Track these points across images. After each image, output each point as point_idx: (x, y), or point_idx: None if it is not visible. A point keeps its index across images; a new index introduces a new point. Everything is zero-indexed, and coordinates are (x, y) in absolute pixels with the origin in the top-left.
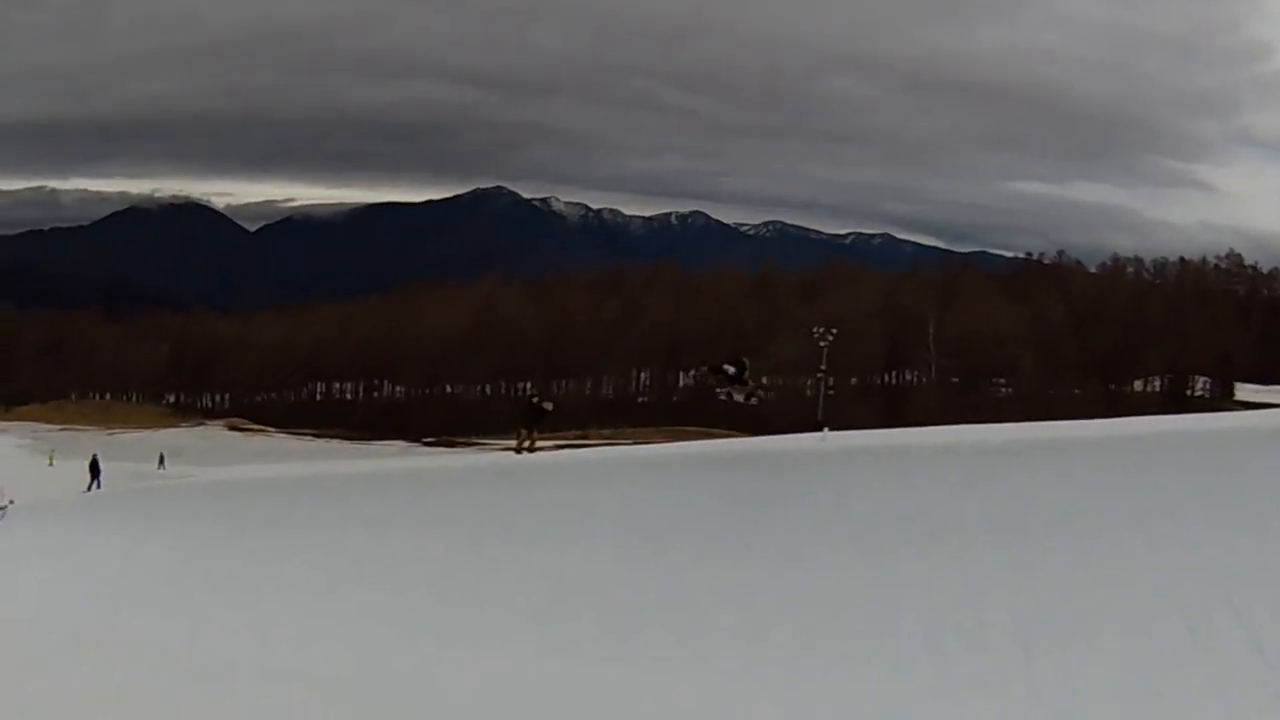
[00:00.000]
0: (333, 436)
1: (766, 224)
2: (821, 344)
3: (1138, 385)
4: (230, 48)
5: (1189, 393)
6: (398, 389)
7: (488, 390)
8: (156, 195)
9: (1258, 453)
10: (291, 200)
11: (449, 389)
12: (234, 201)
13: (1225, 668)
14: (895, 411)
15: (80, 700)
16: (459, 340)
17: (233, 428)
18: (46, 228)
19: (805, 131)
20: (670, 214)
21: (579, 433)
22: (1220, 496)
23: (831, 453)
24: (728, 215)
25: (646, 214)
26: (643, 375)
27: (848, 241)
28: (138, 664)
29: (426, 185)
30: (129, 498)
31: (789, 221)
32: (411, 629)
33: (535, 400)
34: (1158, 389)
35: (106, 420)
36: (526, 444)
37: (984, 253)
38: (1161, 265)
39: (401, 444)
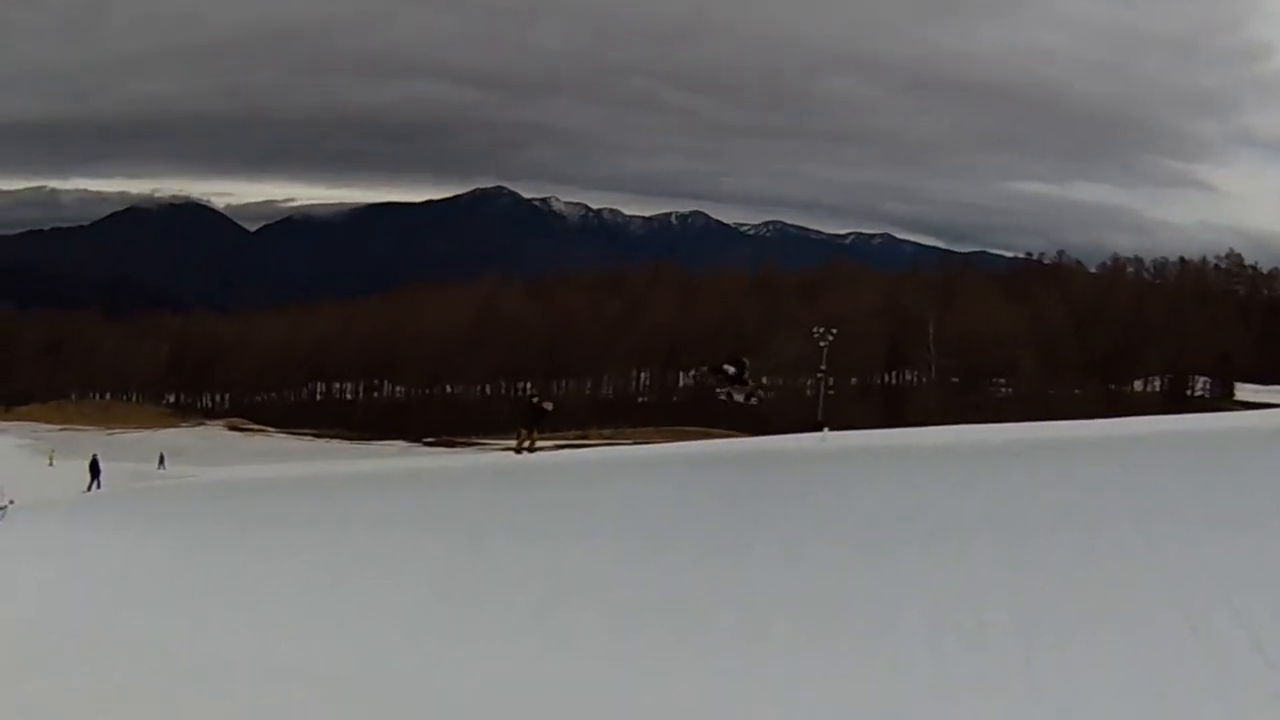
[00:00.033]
0: (333, 436)
1: (766, 224)
2: (821, 344)
3: (1138, 385)
4: (230, 48)
5: (1189, 393)
6: (398, 389)
7: (488, 390)
8: (156, 195)
9: (1258, 452)
10: (291, 200)
11: (449, 389)
12: (234, 201)
13: (1226, 667)
14: (895, 411)
15: (80, 700)
16: (459, 340)
17: (233, 428)
18: (47, 228)
19: (805, 131)
20: (670, 214)
21: (579, 433)
22: (1220, 496)
23: (832, 452)
24: (728, 215)
25: (646, 214)
26: (643, 375)
27: (848, 241)
28: (138, 664)
29: (426, 185)
30: (129, 498)
31: (789, 221)
32: (412, 628)
33: (535, 400)
34: (1158, 389)
35: (106, 420)
36: (527, 444)
37: (984, 253)
38: (1161, 265)
39: (402, 444)
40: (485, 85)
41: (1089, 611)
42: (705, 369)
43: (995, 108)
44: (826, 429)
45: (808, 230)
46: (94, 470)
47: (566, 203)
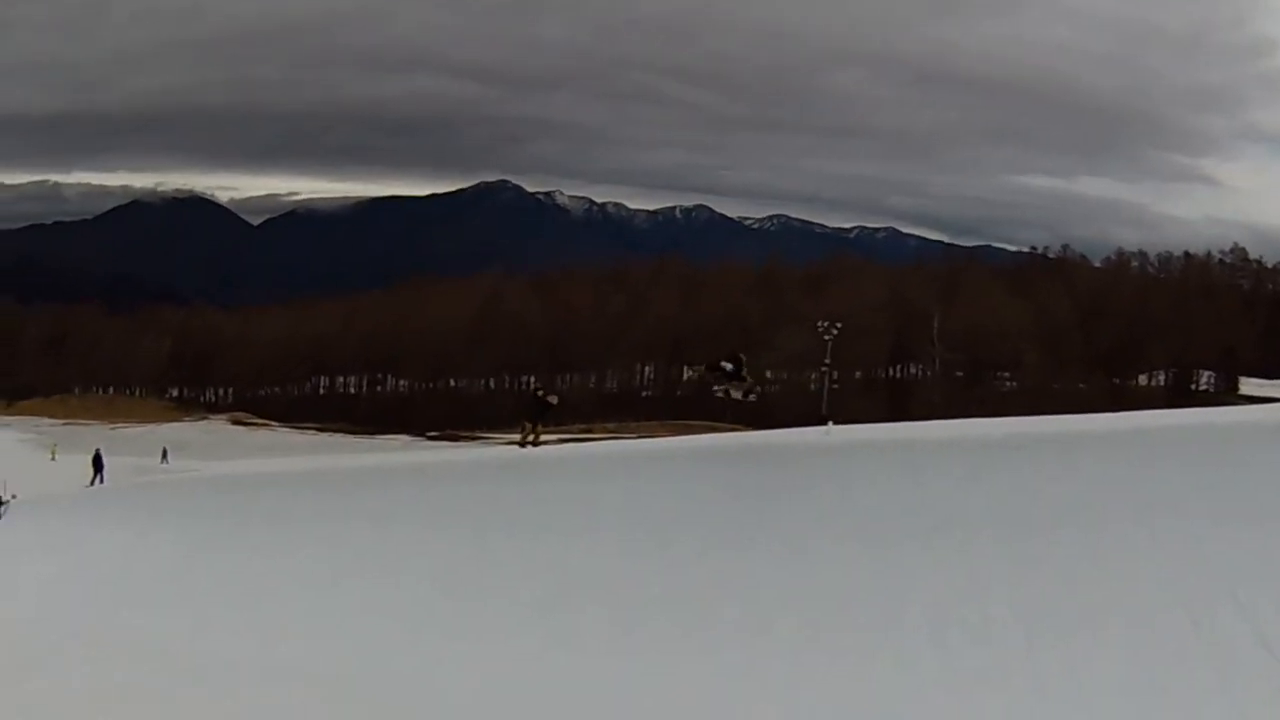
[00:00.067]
0: (336, 431)
1: (770, 218)
2: (826, 338)
3: (1142, 380)
4: (233, 42)
5: (1193, 387)
6: (401, 383)
7: (492, 384)
8: (160, 189)
9: (1262, 447)
10: (295, 194)
11: (453, 383)
12: (237, 195)
13: (1229, 662)
14: (899, 405)
15: (81, 699)
16: (463, 334)
17: (236, 422)
18: (49, 222)
19: (809, 125)
20: (674, 208)
21: (583, 427)
22: (1224, 491)
23: (836, 446)
24: (732, 209)
25: (650, 208)
26: (647, 369)
27: (852, 235)
28: (138, 662)
29: (430, 179)
30: (132, 492)
31: (793, 215)
32: (415, 623)
33: (539, 394)
34: (1162, 383)
35: (109, 415)
36: (530, 438)
37: (988, 247)
38: (1166, 260)
39: (405, 438)
40: (488, 80)
41: (1092, 606)
42: (703, 367)
43: (1000, 102)
44: (831, 423)
45: (812, 224)
46: (97, 465)
47: (570, 197)
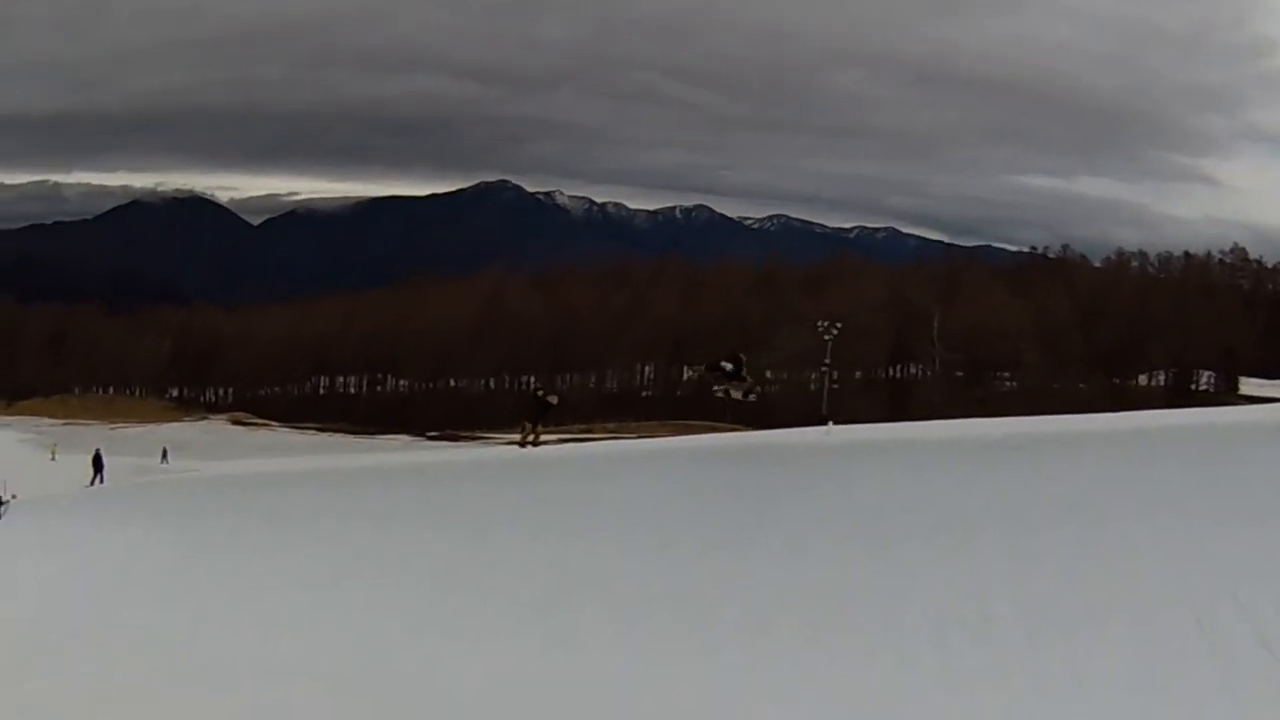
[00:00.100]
0: (336, 430)
1: (771, 218)
2: (826, 338)
3: (1142, 380)
4: (233, 41)
5: (1193, 387)
6: (401, 383)
7: (492, 384)
8: (160, 189)
9: (1262, 447)
10: (295, 194)
11: (453, 383)
12: (237, 195)
13: (1231, 661)
14: (899, 405)
15: (82, 698)
16: (463, 334)
17: (236, 422)
18: (49, 222)
19: (809, 125)
20: (674, 208)
21: (583, 426)
22: (1225, 490)
23: (836, 446)
24: (732, 209)
25: (650, 208)
26: (647, 369)
27: (852, 235)
28: (139, 661)
29: (430, 179)
30: (132, 492)
31: (793, 215)
32: (416, 623)
33: (540, 394)
34: (1162, 384)
35: (109, 414)
36: (531, 438)
37: (989, 247)
38: (1166, 260)
39: (405, 438)
40: (488, 80)
41: (1093, 606)
42: (703, 367)
43: (1000, 102)
44: (831, 423)
45: (812, 224)
46: (97, 465)
47: (570, 196)
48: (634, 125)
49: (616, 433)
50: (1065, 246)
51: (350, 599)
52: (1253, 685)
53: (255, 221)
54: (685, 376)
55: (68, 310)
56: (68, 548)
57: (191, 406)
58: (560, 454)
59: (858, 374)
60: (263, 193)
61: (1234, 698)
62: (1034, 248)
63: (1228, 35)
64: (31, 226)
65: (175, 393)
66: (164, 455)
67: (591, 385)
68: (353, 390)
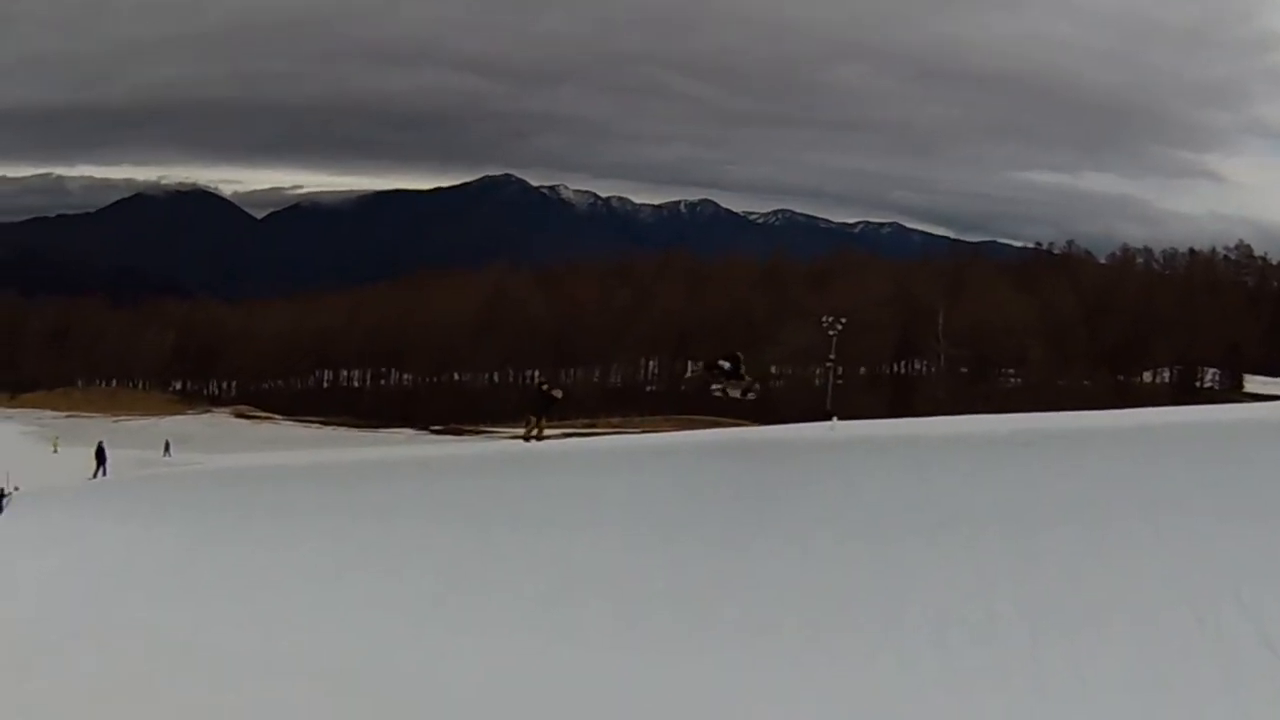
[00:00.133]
0: (340, 424)
1: (775, 213)
2: (830, 333)
3: (1146, 376)
4: (237, 34)
5: (1198, 384)
6: (405, 377)
7: (496, 378)
8: (163, 182)
9: (1266, 445)
10: (299, 188)
11: (457, 377)
12: (241, 189)
13: (1234, 661)
14: (904, 401)
15: (84, 693)
16: (467, 328)
17: (239, 415)
18: (52, 215)
19: (814, 120)
20: (679, 202)
21: (587, 421)
22: (1229, 488)
23: (840, 442)
24: (736, 204)
25: (655, 202)
26: (651, 364)
27: (856, 230)
28: (141, 656)
29: (434, 173)
30: (135, 485)
31: (798, 210)
32: (419, 617)
33: (544, 388)
34: (1166, 381)
35: (112, 407)
36: (535, 432)
37: (993, 242)
38: (1171, 256)
39: (409, 432)
40: (492, 74)
41: (1096, 603)
42: (701, 365)
43: (1005, 97)
44: (835, 418)
45: (816, 219)
46: (99, 457)
47: (575, 191)
48: (639, 120)
49: (620, 427)
50: (1070, 242)
51: (353, 594)
52: (1255, 684)
53: (259, 215)
54: (689, 373)
55: (70, 303)
56: (70, 541)
57: (194, 400)
58: (564, 449)
59: (862, 370)
60: (266, 186)
61: (1236, 697)
62: (1039, 244)
63: (1232, 30)
64: (34, 220)
65: (178, 386)
66: (166, 448)
67: (595, 380)
68: (356, 384)
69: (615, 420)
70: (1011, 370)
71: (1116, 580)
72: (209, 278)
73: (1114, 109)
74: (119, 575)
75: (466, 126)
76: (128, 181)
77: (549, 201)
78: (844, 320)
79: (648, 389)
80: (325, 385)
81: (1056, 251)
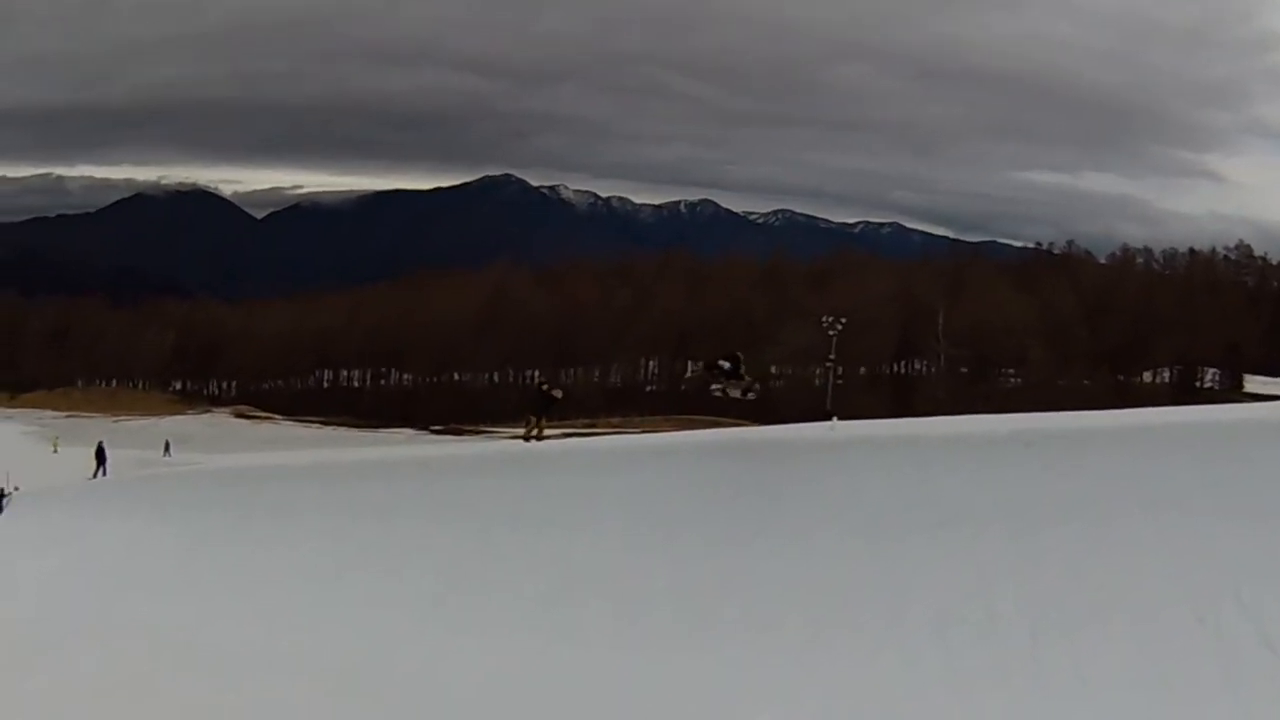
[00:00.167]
0: (340, 424)
1: (775, 212)
2: (830, 333)
3: (1147, 376)
4: (236, 34)
5: (1198, 384)
6: (405, 376)
7: (496, 378)
8: (163, 182)
9: (1266, 445)
10: (299, 187)
11: (457, 377)
12: (241, 189)
13: (1234, 660)
14: (904, 401)
15: (85, 689)
16: (467, 328)
17: (239, 415)
18: (52, 215)
19: (814, 120)
20: (679, 202)
21: (588, 421)
22: (1229, 488)
23: (840, 442)
24: (736, 204)
25: (655, 202)
26: (651, 364)
27: (857, 230)
28: (143, 654)
29: (434, 173)
30: (135, 485)
31: (798, 210)
32: (419, 617)
33: (544, 388)
34: (1167, 380)
35: (112, 407)
36: (535, 432)
37: (993, 242)
38: (1171, 256)
39: (409, 432)
40: (493, 74)
41: (1097, 603)
42: (701, 365)
43: (1005, 97)
44: (835, 418)
45: (817, 219)
46: (100, 457)
47: (575, 190)
48: (639, 119)
49: (620, 427)
50: (1070, 242)
51: (353, 593)
52: (1256, 684)
53: (259, 215)
54: (689, 373)
55: (71, 303)
56: (70, 540)
57: (194, 400)
58: (564, 448)
59: (862, 369)
60: (266, 186)
61: (1237, 696)
62: (1039, 244)
63: (1232, 30)
64: (34, 220)
65: (178, 386)
66: (167, 448)
67: (596, 380)
68: (356, 384)
69: (615, 420)
70: (1012, 370)
71: (1117, 579)
72: (209, 278)
73: (1114, 109)
74: (119, 575)
75: (466, 126)
76: (128, 181)
77: (549, 201)
78: (844, 320)
79: (648, 389)
80: (325, 385)
81: (1056, 251)
